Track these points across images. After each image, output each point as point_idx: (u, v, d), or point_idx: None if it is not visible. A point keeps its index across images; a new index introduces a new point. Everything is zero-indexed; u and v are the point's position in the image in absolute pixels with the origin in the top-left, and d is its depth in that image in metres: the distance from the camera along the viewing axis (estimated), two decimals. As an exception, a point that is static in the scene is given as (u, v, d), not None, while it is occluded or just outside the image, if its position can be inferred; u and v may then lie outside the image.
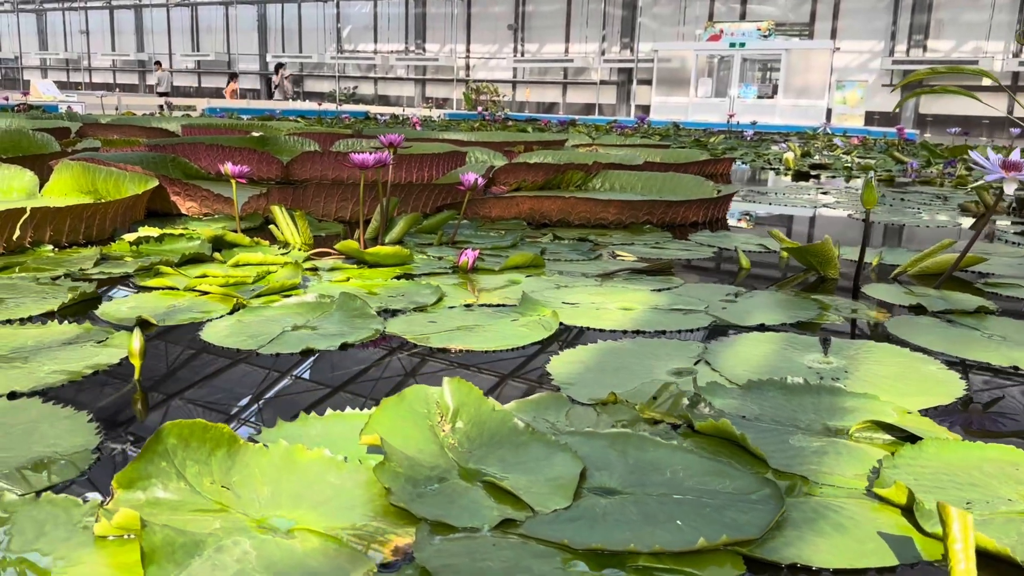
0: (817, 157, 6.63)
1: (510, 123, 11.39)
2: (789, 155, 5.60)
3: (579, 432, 0.96)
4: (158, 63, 23.57)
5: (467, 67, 22.23)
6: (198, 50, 27.60)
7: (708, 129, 12.13)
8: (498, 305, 1.57)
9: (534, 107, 20.36)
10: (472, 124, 10.12)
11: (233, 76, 19.41)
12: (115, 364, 1.17)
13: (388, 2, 23.39)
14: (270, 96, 18.78)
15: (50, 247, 1.91)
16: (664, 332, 1.42)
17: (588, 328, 1.44)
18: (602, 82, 19.58)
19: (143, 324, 1.38)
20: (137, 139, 4.66)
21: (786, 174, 5.28)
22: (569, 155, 4.69)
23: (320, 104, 11.94)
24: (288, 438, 0.92)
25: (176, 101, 14.31)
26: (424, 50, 22.83)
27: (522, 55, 21.10)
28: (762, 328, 1.46)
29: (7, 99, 9.20)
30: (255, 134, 4.67)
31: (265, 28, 25.83)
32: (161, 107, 13.50)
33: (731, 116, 11.69)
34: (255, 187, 2.66)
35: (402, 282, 1.74)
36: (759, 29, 16.54)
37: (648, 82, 18.26)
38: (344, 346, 1.30)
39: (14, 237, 1.85)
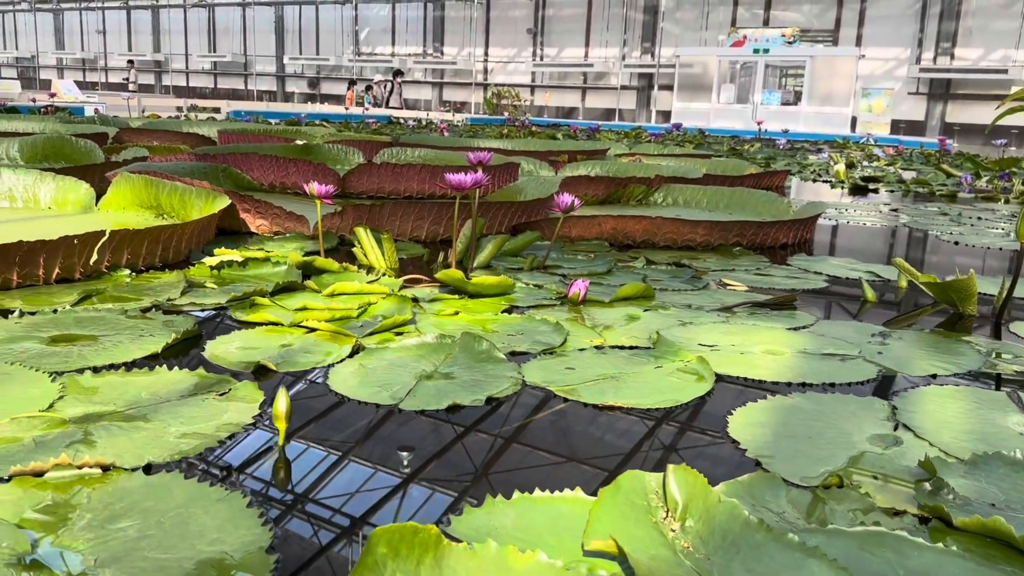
0: (860, 169, 6.47)
1: (535, 129, 11.26)
2: (839, 167, 5.45)
3: (819, 530, 0.82)
4: (131, 62, 23.60)
5: (485, 71, 22.12)
6: (215, 51, 27.60)
7: (737, 136, 11.98)
8: (631, 347, 1.43)
9: (553, 112, 20.23)
10: (501, 130, 9.99)
11: (352, 83, 19.06)
12: (249, 424, 1.04)
13: (406, 5, 23.32)
14: (387, 104, 18.38)
15: (127, 271, 1.78)
16: (832, 384, 1.28)
17: (743, 378, 1.30)
18: (622, 87, 19.43)
19: (262, 370, 1.25)
20: (178, 146, 4.54)
21: (839, 187, 5.13)
22: (617, 166, 4.55)
23: (348, 108, 11.81)
24: (485, 531, 0.79)
25: (200, 103, 14.23)
26: (442, 53, 22.73)
27: (541, 59, 20.97)
28: (935, 379, 1.32)
29: (34, 100, 9.11)
30: (299, 142, 4.54)
31: (282, 30, 25.79)
32: (180, 108, 13.42)
33: (759, 123, 11.52)
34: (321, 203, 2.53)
35: (514, 317, 1.60)
36: (784, 35, 16.37)
37: (669, 87, 18.10)
38: (489, 400, 1.16)
39: (91, 261, 1.72)
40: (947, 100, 16.57)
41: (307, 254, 2.13)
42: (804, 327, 1.61)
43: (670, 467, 0.81)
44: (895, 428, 1.10)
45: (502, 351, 1.36)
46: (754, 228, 2.51)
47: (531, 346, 1.42)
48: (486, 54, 22.11)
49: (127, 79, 20.48)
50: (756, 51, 16.75)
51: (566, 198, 2.03)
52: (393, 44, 23.76)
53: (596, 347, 1.42)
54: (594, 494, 0.86)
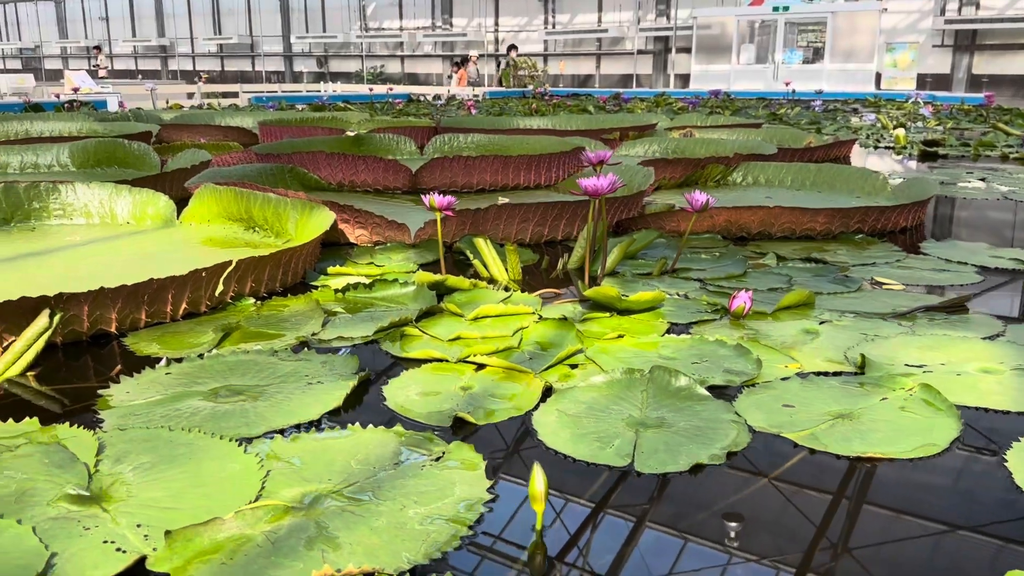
0: (911, 131, 6.27)
1: (560, 100, 11.03)
2: (900, 132, 5.26)
3: None
4: (97, 48, 23.04)
5: (496, 41, 21.76)
6: (220, 33, 27.26)
7: (764, 98, 11.71)
8: (835, 373, 1.31)
9: (568, 80, 19.89)
10: (528, 104, 9.78)
11: (464, 60, 17.25)
12: (488, 500, 0.92)
13: (413, -23, 22.92)
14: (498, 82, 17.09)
15: (251, 300, 1.67)
16: (1084, 413, 1.16)
17: (981, 408, 1.18)
18: (639, 52, 19.07)
19: (459, 422, 1.13)
20: (228, 143, 4.41)
21: (903, 153, 4.94)
22: (676, 144, 4.39)
23: (372, 90, 11.58)
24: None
25: (219, 87, 14.00)
26: (451, 25, 22.36)
27: (553, 27, 20.59)
28: None
29: (58, 96, 8.96)
30: (349, 133, 4.40)
31: (288, 8, 25.43)
32: (192, 94, 13.19)
33: (788, 84, 11.26)
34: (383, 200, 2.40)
35: (683, 339, 1.48)
36: (804, -9, 15.97)
37: (687, 50, 17.75)
38: (729, 455, 1.04)
39: (217, 292, 1.61)
40: (973, 51, 16.16)
41: (422, 267, 2.01)
42: (997, 335, 1.48)
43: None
44: None
45: (700, 386, 1.24)
46: (876, 213, 2.37)
47: (726, 377, 1.30)
48: (496, 24, 21.73)
49: (97, 65, 19.88)
50: (776, 9, 16.37)
51: (699, 196, 1.90)
52: (401, 18, 23.40)
53: (799, 375, 1.30)
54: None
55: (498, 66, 19.63)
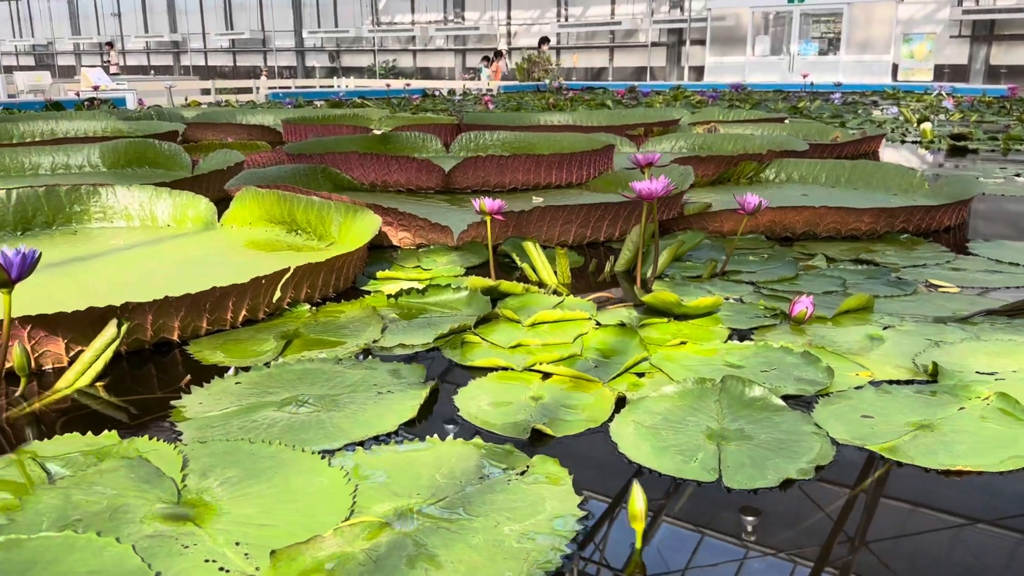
0: (935, 124, 6.21)
1: (577, 94, 10.99)
2: (926, 126, 5.21)
3: None
4: (109, 43, 23.15)
5: (508, 34, 21.70)
6: (232, 28, 27.31)
7: (781, 91, 11.65)
8: (907, 382, 1.30)
9: (582, 73, 19.83)
10: (546, 99, 9.75)
11: (498, 55, 16.06)
12: (580, 517, 0.92)
13: (425, -29, 22.89)
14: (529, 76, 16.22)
15: (307, 306, 1.67)
16: None
17: (1062, 418, 1.17)
18: (652, 44, 18.98)
19: (536, 434, 1.13)
20: (256, 142, 4.42)
21: (930, 147, 4.90)
22: (703, 140, 4.38)
23: (388, 85, 11.57)
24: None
25: (226, 84, 14.02)
26: (463, 19, 22.31)
27: (566, 19, 20.51)
28: None
29: (78, 95, 8.98)
30: (375, 131, 4.39)
31: (300, 3, 25.44)
32: (208, 90, 13.22)
33: (805, 76, 11.19)
34: (420, 200, 2.39)
35: (747, 345, 1.47)
36: (820, -18, 15.86)
37: (701, 42, 17.68)
38: (818, 469, 1.04)
39: (274, 299, 1.61)
40: (991, 42, 16.01)
41: (468, 270, 2.01)
42: (1066, 341, 1.46)
43: None
44: None
45: (775, 396, 1.23)
46: (921, 212, 2.34)
47: (798, 386, 1.28)
48: (508, 17, 21.67)
49: (108, 62, 20.09)
50: (791, 0, 16.27)
51: (752, 198, 1.89)
52: (412, 12, 23.36)
53: (872, 384, 1.29)
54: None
55: (521, 60, 19.58)
